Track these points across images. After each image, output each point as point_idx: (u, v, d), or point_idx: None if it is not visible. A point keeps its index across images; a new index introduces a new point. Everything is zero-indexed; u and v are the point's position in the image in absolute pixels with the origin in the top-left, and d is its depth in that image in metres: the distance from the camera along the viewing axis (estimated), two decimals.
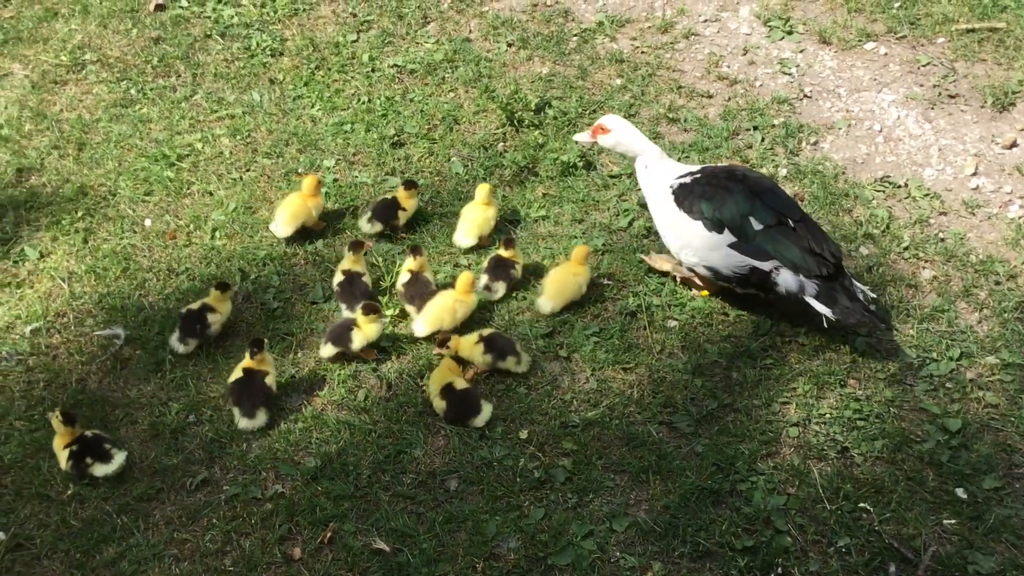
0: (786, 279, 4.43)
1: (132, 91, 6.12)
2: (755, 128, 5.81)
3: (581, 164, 5.54)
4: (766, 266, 4.44)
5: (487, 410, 4.26)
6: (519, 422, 4.30)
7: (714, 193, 4.49)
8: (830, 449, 4.20)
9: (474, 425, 4.24)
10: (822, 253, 4.39)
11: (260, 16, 6.66)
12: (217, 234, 5.17)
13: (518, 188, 5.45)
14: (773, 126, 5.83)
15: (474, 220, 5.05)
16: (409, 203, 5.12)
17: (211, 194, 5.41)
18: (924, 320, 4.71)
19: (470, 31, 6.59)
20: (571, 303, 4.75)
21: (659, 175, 4.73)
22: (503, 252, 4.83)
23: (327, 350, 4.50)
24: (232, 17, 6.63)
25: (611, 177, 5.51)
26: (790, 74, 6.23)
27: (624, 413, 4.34)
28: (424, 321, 4.60)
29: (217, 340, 4.62)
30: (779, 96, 6.04)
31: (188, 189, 5.45)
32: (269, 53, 6.38)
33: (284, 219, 5.04)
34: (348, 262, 4.77)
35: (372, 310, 4.45)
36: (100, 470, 4.03)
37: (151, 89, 6.13)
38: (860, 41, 6.42)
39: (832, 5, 6.71)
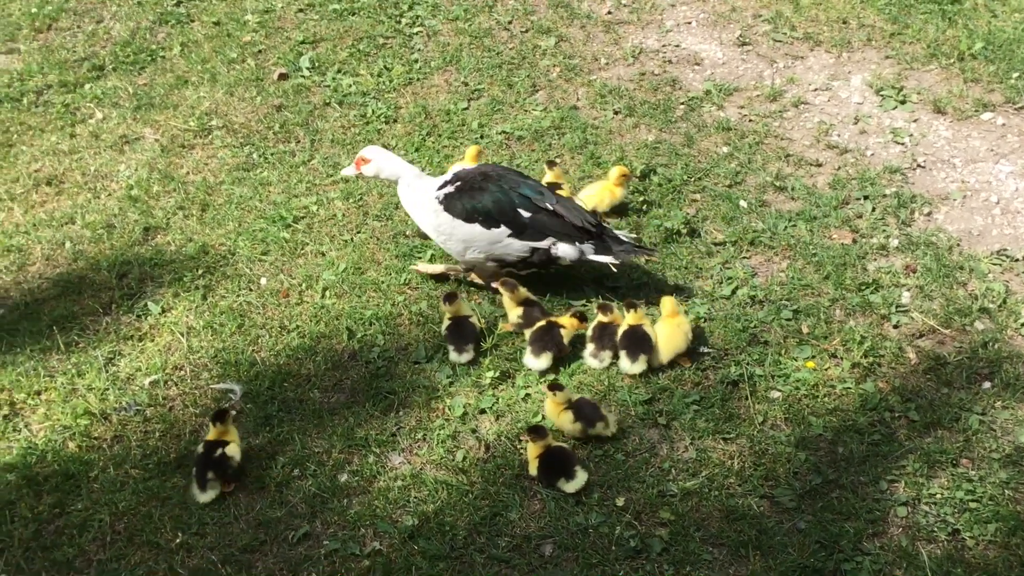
0: (565, 249, 5.06)
1: (254, 155, 6.42)
2: (866, 198, 5.72)
3: (685, 231, 5.53)
4: (544, 244, 5.07)
5: (581, 477, 4.24)
6: (616, 489, 4.27)
7: (481, 196, 5.05)
8: (940, 531, 4.04)
9: (563, 490, 4.23)
10: (583, 225, 5.04)
11: (376, 85, 6.92)
12: (327, 293, 5.34)
13: None
14: (884, 196, 5.73)
15: None
16: (561, 180, 5.65)
17: (323, 255, 5.60)
18: None
19: (578, 99, 6.71)
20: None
21: (421, 191, 5.20)
22: (603, 318, 4.85)
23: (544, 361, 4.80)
24: (350, 86, 6.91)
25: (715, 245, 5.49)
26: (903, 143, 6.13)
27: (724, 484, 4.27)
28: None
29: (327, 396, 4.76)
30: (891, 166, 5.94)
31: (302, 249, 5.66)
32: (383, 120, 6.62)
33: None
34: (451, 310, 4.90)
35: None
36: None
37: (272, 154, 6.42)
38: (976, 111, 6.28)
39: (947, 75, 6.60)
